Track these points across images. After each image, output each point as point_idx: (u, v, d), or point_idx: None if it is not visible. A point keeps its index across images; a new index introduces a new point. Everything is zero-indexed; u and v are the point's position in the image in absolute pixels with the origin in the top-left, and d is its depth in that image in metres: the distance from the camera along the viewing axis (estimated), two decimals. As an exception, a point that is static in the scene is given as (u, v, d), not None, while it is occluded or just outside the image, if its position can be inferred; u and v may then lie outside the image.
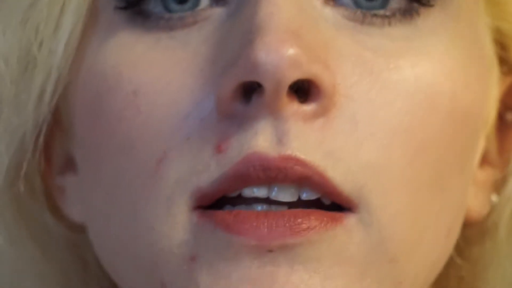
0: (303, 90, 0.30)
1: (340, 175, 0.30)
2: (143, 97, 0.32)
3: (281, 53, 0.28)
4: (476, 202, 0.37)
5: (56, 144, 0.38)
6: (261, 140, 0.29)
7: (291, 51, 0.29)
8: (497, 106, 0.38)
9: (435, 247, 0.34)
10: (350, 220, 0.30)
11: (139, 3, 0.33)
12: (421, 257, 0.33)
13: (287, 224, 0.29)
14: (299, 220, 0.30)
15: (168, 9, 0.33)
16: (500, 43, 0.38)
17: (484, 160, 0.38)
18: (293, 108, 0.30)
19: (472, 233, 0.39)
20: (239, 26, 0.31)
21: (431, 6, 0.33)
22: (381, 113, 0.31)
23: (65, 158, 0.38)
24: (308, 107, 0.30)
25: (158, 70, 0.32)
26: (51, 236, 0.39)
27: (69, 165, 0.37)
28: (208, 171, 0.30)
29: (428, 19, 0.33)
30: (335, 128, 0.30)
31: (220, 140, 0.30)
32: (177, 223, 0.31)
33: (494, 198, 0.39)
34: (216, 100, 0.30)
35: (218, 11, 0.32)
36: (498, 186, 0.39)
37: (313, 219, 0.30)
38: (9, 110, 0.35)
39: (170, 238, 0.31)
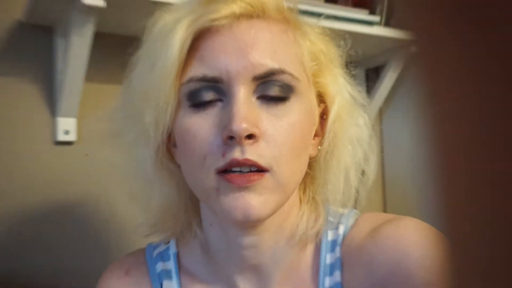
0: (250, 135, 0.61)
1: (263, 161, 0.62)
2: (197, 137, 0.64)
3: (241, 128, 0.59)
4: (312, 152, 0.72)
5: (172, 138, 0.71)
6: (236, 153, 0.61)
7: (244, 126, 0.59)
8: (319, 114, 0.72)
9: (299, 175, 0.67)
10: (266, 175, 0.62)
11: (198, 100, 0.64)
12: (294, 182, 0.66)
13: (248, 179, 0.62)
14: (252, 177, 0.62)
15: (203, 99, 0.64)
16: (319, 94, 0.72)
17: (315, 135, 0.71)
18: (247, 142, 0.61)
19: (312, 162, 0.73)
20: (227, 113, 0.62)
21: (288, 98, 0.65)
22: (277, 137, 0.63)
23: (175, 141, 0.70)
24: (252, 141, 0.61)
25: (201, 127, 0.64)
26: (173, 172, 0.74)
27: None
28: (221, 162, 0.62)
29: (291, 100, 0.65)
30: (261, 146, 0.62)
31: (224, 152, 0.62)
32: (211, 179, 0.63)
33: (319, 147, 0.74)
34: (221, 139, 0.62)
35: (220, 103, 0.64)
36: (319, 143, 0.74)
37: (256, 175, 0.62)
38: (149, 138, 0.69)
39: (210, 184, 0.63)
